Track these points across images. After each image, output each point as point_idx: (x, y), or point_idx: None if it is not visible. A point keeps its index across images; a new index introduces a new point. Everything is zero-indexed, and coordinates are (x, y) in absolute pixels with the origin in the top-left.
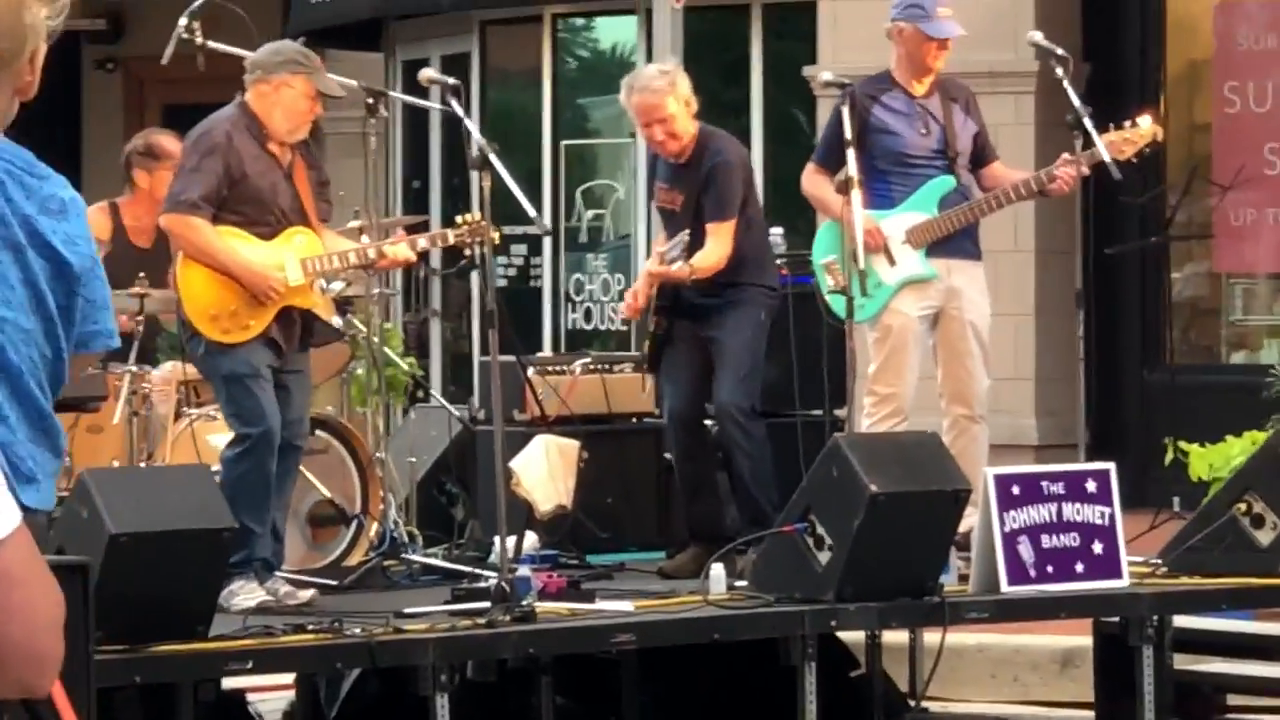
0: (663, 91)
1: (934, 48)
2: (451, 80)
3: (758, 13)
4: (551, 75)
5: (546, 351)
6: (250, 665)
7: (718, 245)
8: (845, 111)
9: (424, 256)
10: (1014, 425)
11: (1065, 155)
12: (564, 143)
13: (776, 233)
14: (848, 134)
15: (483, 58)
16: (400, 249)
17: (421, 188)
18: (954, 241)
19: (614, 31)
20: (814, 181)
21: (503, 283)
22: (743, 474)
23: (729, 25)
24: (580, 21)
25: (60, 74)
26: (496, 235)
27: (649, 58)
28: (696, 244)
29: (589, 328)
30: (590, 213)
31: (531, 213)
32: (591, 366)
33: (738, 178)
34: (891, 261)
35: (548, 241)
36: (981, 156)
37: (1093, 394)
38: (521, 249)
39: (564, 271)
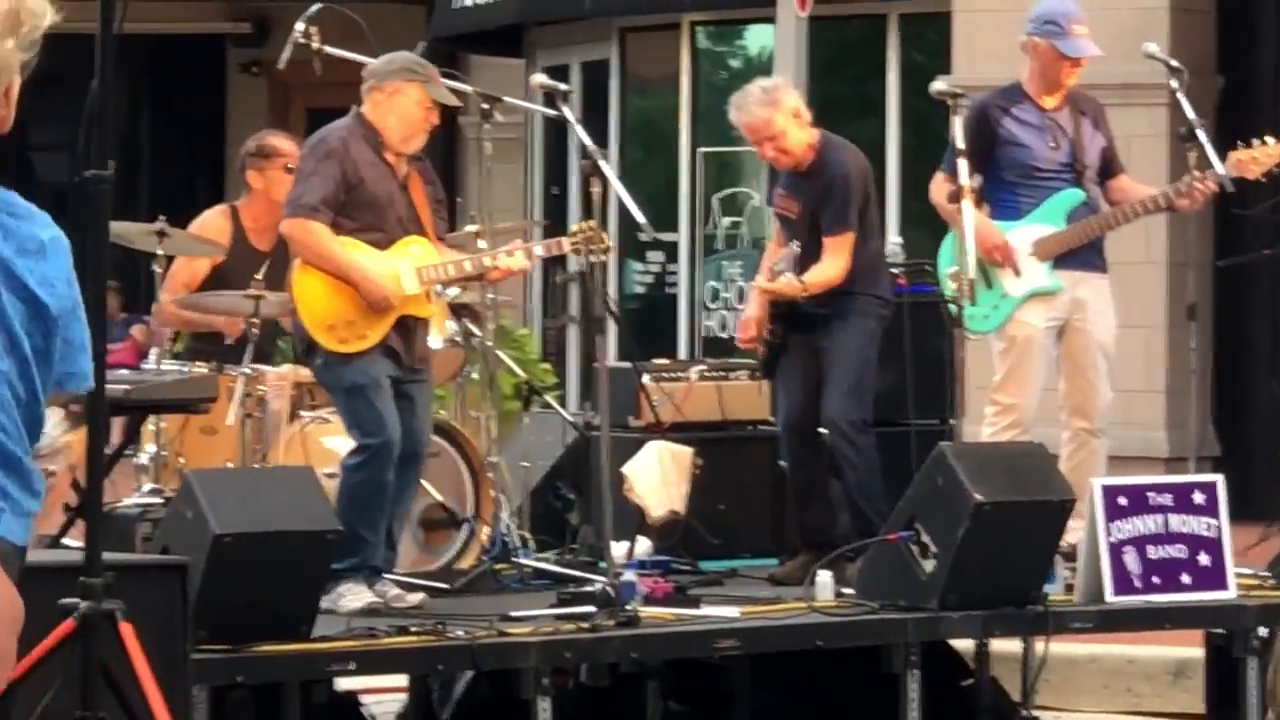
0: (767, 108)
1: (1068, 65)
2: (563, 86)
3: (894, 23)
4: (690, 82)
5: (682, 358)
6: (353, 666)
7: (835, 259)
8: (957, 121)
9: (560, 262)
10: (1145, 438)
11: (1195, 172)
12: (701, 150)
13: (895, 242)
14: (959, 143)
15: (622, 64)
16: (516, 258)
17: (560, 194)
18: (1081, 254)
19: (752, 39)
20: (940, 190)
21: (639, 289)
22: (850, 486)
23: (866, 35)
24: (719, 29)
25: (205, 78)
26: (610, 243)
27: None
28: (810, 253)
29: (724, 335)
30: (727, 220)
31: (640, 219)
32: (707, 373)
33: (856, 189)
34: (1018, 273)
35: (684, 248)
36: (1109, 170)
37: (1223, 406)
38: (658, 255)
39: (700, 278)
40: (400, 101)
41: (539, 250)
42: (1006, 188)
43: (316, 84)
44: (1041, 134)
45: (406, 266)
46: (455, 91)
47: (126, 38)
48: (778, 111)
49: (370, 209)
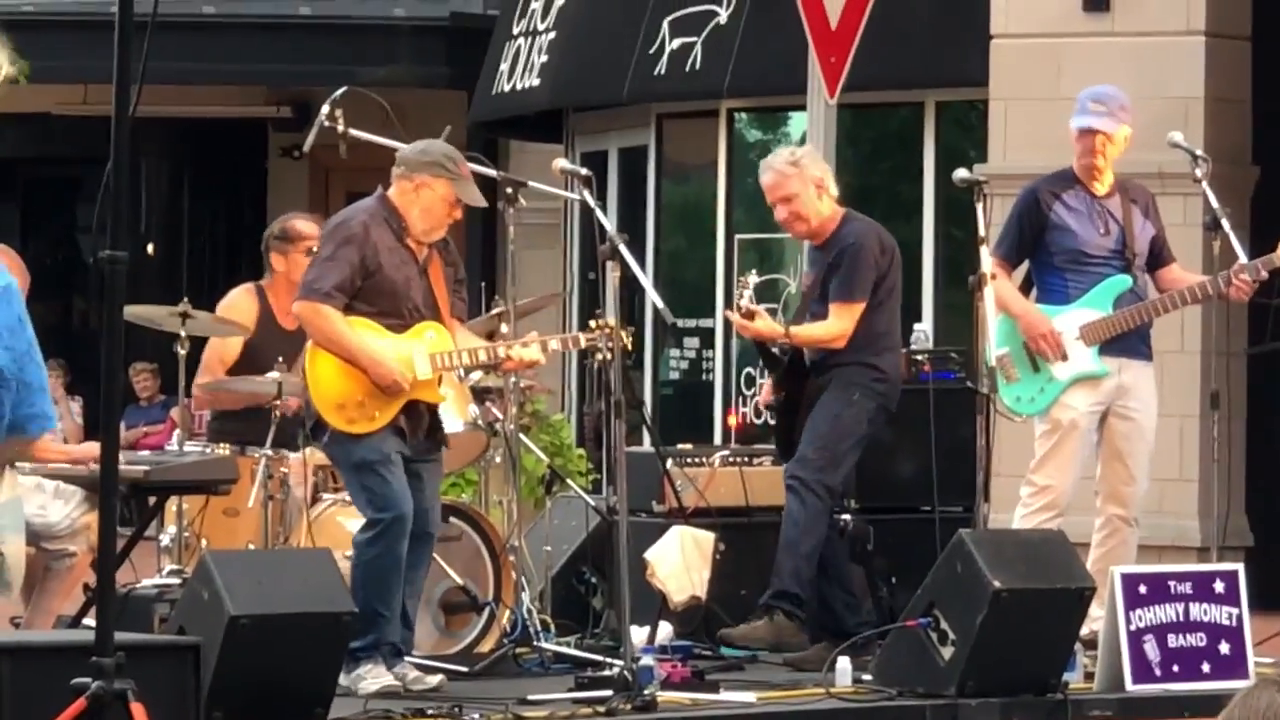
0: (787, 171)
1: (1079, 140)
2: (584, 171)
3: (931, 110)
4: (727, 168)
5: (718, 444)
6: None
7: (834, 322)
8: (979, 208)
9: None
10: (1177, 527)
11: (1241, 261)
12: (738, 236)
13: (921, 329)
14: (981, 230)
15: (659, 150)
16: (530, 350)
17: (597, 278)
18: (1127, 341)
19: (789, 125)
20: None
21: (675, 375)
22: (781, 536)
23: (902, 123)
24: (756, 115)
25: (247, 161)
26: (628, 336)
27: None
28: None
29: (759, 421)
30: (762, 306)
31: (659, 304)
32: (730, 459)
33: (868, 261)
34: (1064, 357)
35: (720, 335)
36: (1159, 259)
37: (1256, 495)
38: (694, 342)
39: (735, 365)
40: (426, 195)
41: (554, 345)
42: (1055, 272)
43: (356, 168)
44: (1091, 220)
45: (420, 351)
46: (484, 175)
47: (170, 121)
48: (797, 175)
49: (387, 295)
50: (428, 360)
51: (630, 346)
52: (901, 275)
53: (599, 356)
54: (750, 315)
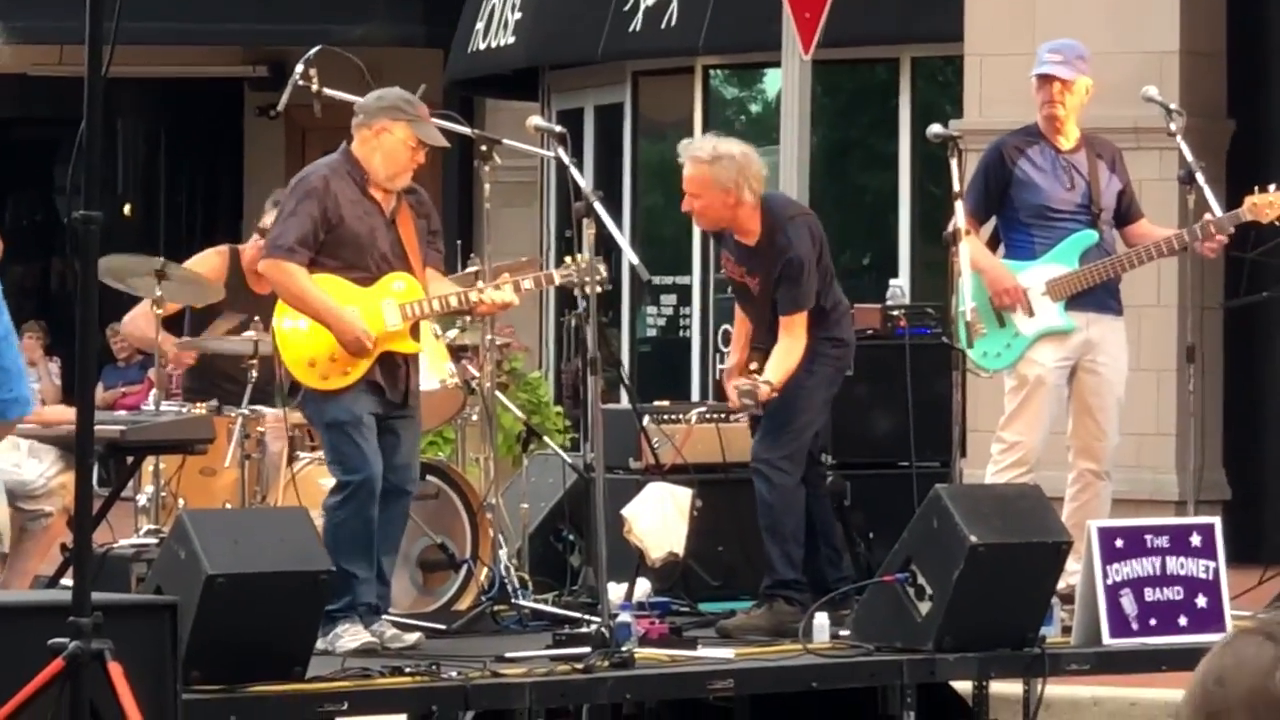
0: (695, 167)
1: (1038, 90)
2: (557, 128)
3: (906, 66)
4: (702, 126)
5: (695, 400)
6: (346, 706)
7: (793, 340)
8: (954, 163)
9: (572, 304)
10: (1155, 481)
11: (1208, 216)
12: None
13: (897, 284)
14: (955, 185)
15: (635, 108)
16: (503, 292)
17: (573, 236)
18: (1094, 295)
19: (764, 83)
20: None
21: (652, 332)
22: (761, 524)
23: (878, 79)
24: (731, 72)
25: (223, 121)
26: (605, 273)
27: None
28: (769, 324)
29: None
30: (730, 284)
31: (634, 260)
32: (707, 415)
33: (811, 268)
34: (1030, 312)
35: (697, 291)
36: (1127, 214)
37: (1233, 449)
38: (671, 299)
39: (713, 321)
40: (386, 140)
41: (527, 284)
42: (1021, 228)
43: (333, 127)
44: (1056, 175)
45: (389, 303)
46: (458, 134)
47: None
48: (706, 179)
49: (351, 247)
50: (397, 310)
51: (608, 278)
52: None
53: (577, 296)
54: (755, 398)
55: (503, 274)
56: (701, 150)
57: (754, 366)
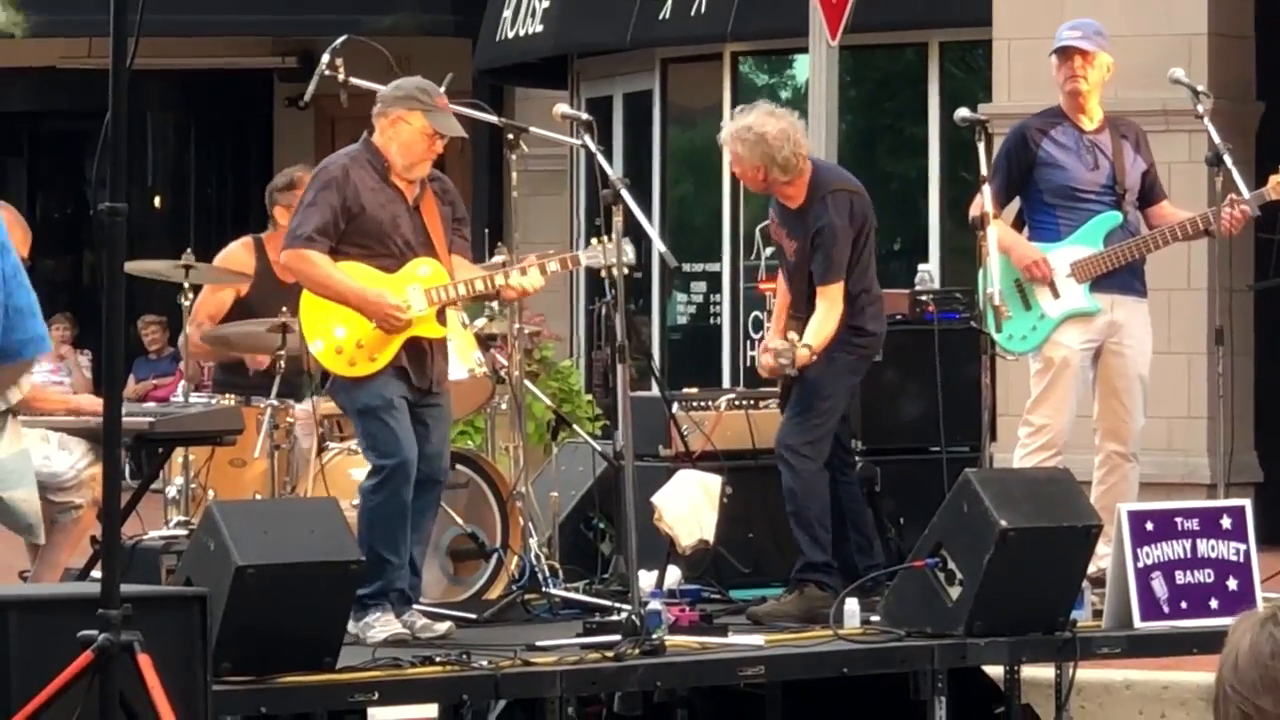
0: (731, 142)
1: (1059, 67)
2: (584, 116)
3: (935, 50)
4: (731, 112)
5: (726, 386)
6: (376, 696)
7: (828, 308)
8: (982, 148)
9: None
10: (1187, 463)
11: (1232, 195)
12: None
13: (926, 269)
14: (983, 169)
15: (663, 95)
16: (529, 276)
17: (603, 225)
18: (1119, 277)
19: (793, 69)
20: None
21: (683, 320)
22: (787, 510)
23: (907, 63)
24: (760, 59)
25: (253, 111)
26: (630, 256)
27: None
28: (805, 293)
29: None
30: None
31: (661, 248)
32: (736, 402)
33: (845, 239)
34: (1055, 294)
35: (727, 278)
36: (1150, 195)
37: (1265, 431)
38: (701, 286)
39: (743, 308)
40: (403, 129)
41: (553, 266)
42: (1045, 209)
43: (361, 117)
44: (1080, 155)
45: (415, 289)
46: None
47: (174, 74)
48: (736, 153)
49: (373, 235)
50: (423, 295)
51: (635, 260)
52: (875, 222)
53: (605, 283)
54: (793, 359)
55: (529, 257)
56: (730, 126)
57: (792, 336)
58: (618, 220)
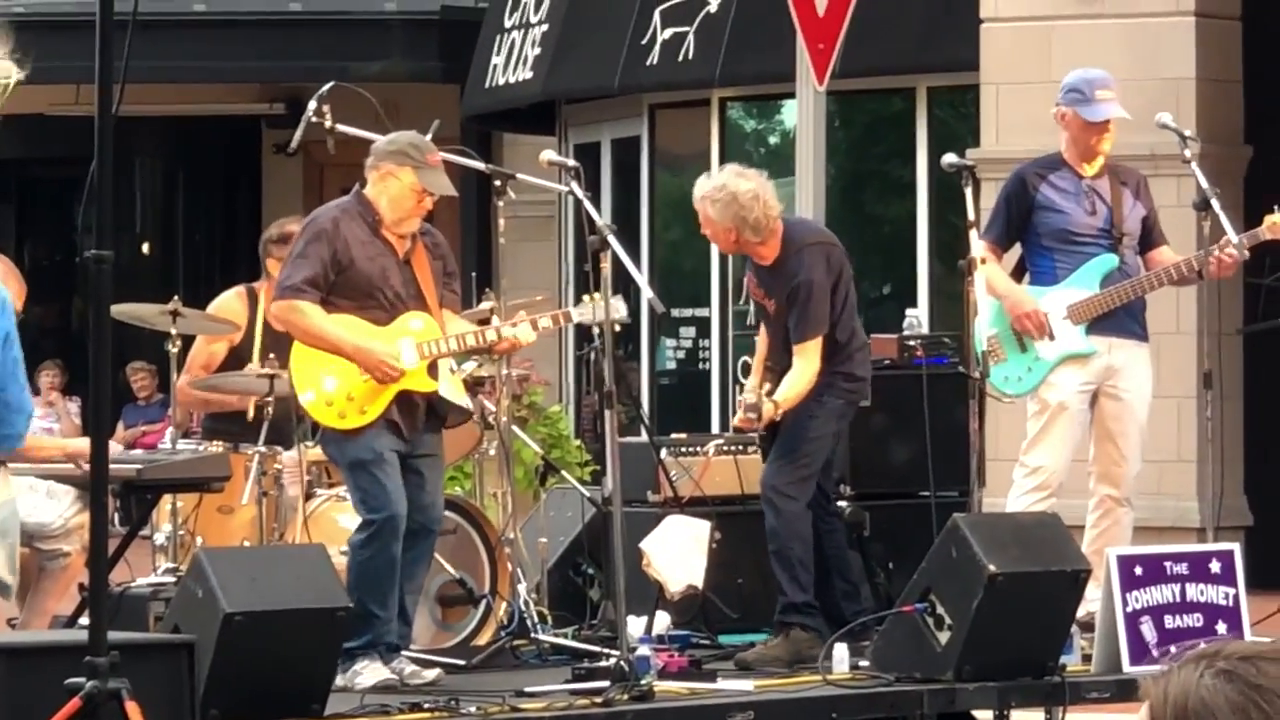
0: (706, 208)
1: (1094, 131)
2: (571, 162)
3: (923, 95)
4: (719, 158)
5: (715, 432)
6: None
7: (804, 366)
8: (968, 192)
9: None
10: (1177, 508)
11: (1225, 238)
12: None
13: (914, 314)
14: (970, 215)
15: (652, 141)
16: (521, 330)
17: (591, 271)
18: (1116, 319)
19: (781, 114)
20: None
21: (671, 365)
22: (769, 551)
23: (895, 109)
24: (748, 104)
25: (241, 157)
26: (622, 314)
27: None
28: (785, 347)
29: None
30: (753, 305)
31: (648, 294)
32: (725, 448)
33: (821, 296)
34: (1051, 336)
35: (716, 324)
36: (1149, 240)
37: (1254, 475)
38: (690, 331)
39: (732, 353)
40: (392, 184)
41: (545, 323)
42: (1043, 253)
43: (350, 164)
44: (1078, 200)
45: (407, 342)
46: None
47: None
48: (706, 213)
49: (363, 287)
50: (414, 349)
51: (626, 315)
52: (852, 271)
53: (594, 330)
54: (759, 413)
55: (520, 312)
56: (701, 188)
57: (767, 388)
58: (606, 270)
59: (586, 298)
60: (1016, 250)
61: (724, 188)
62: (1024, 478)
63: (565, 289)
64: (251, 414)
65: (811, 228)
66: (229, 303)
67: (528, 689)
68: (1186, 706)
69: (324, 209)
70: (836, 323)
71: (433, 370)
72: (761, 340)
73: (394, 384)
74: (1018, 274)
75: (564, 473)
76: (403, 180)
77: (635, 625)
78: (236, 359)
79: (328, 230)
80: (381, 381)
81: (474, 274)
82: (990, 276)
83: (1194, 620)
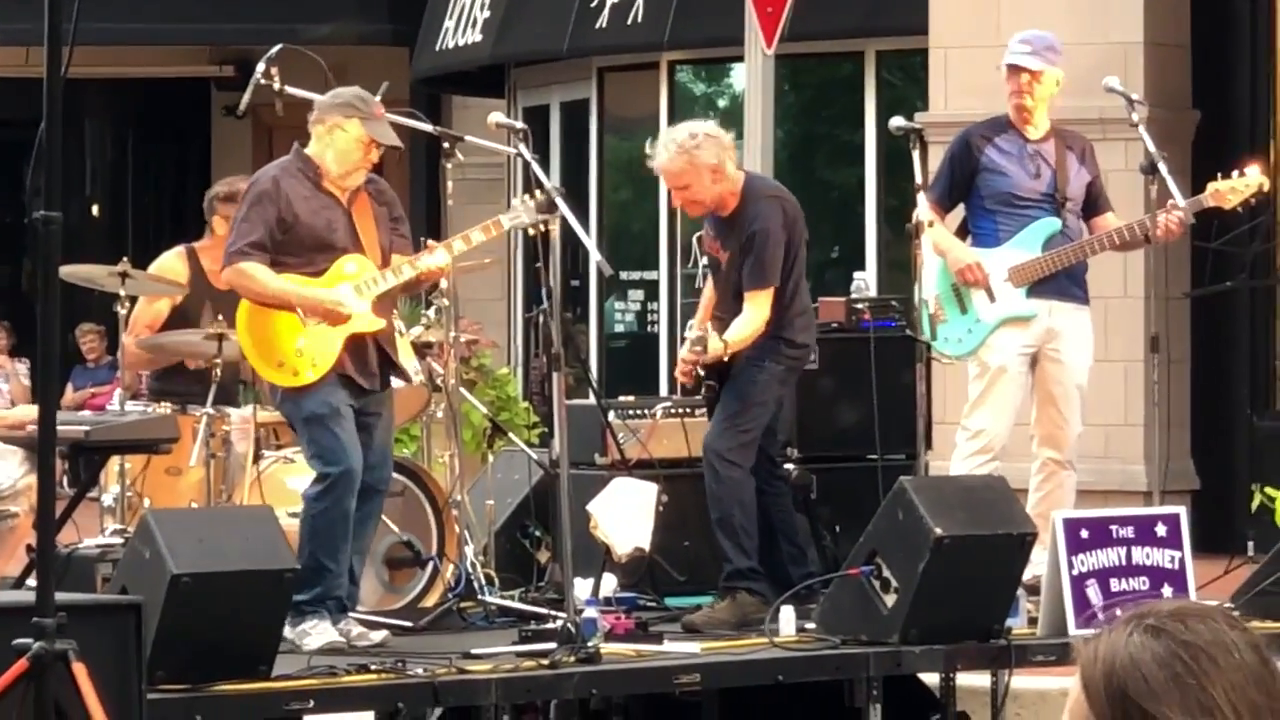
0: (679, 161)
1: (1009, 80)
2: (519, 125)
3: (871, 59)
4: (668, 120)
5: (663, 394)
6: (311, 704)
7: (754, 313)
8: (916, 156)
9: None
10: (1124, 471)
11: (1171, 202)
12: None
13: (861, 277)
14: (918, 178)
15: (600, 104)
16: (436, 255)
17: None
18: (1058, 283)
19: (730, 78)
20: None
21: (620, 328)
22: (712, 517)
23: (843, 72)
24: (697, 68)
25: (190, 119)
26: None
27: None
28: (736, 301)
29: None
30: (705, 258)
31: (596, 257)
32: (672, 410)
33: (777, 244)
34: (992, 298)
35: (665, 287)
36: (1094, 206)
37: (1201, 439)
38: (639, 294)
39: (680, 317)
40: (339, 137)
41: (478, 235)
42: (986, 215)
43: (299, 126)
44: (1022, 163)
45: (345, 287)
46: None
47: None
48: (690, 165)
49: (310, 242)
50: (353, 291)
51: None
52: (806, 230)
53: (531, 233)
54: (704, 346)
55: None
56: (673, 143)
57: (709, 325)
58: (554, 229)
59: (515, 201)
60: (959, 212)
61: (696, 133)
62: (966, 441)
63: (514, 252)
64: (205, 369)
65: (771, 183)
66: (170, 263)
67: (474, 651)
68: (1115, 664)
69: (264, 170)
70: (786, 280)
71: (382, 309)
72: (709, 290)
73: (344, 325)
74: (960, 235)
75: (511, 435)
76: (350, 132)
77: (582, 587)
78: (181, 317)
79: (269, 191)
80: (334, 324)
81: (423, 238)
82: (934, 236)
83: (1140, 583)
